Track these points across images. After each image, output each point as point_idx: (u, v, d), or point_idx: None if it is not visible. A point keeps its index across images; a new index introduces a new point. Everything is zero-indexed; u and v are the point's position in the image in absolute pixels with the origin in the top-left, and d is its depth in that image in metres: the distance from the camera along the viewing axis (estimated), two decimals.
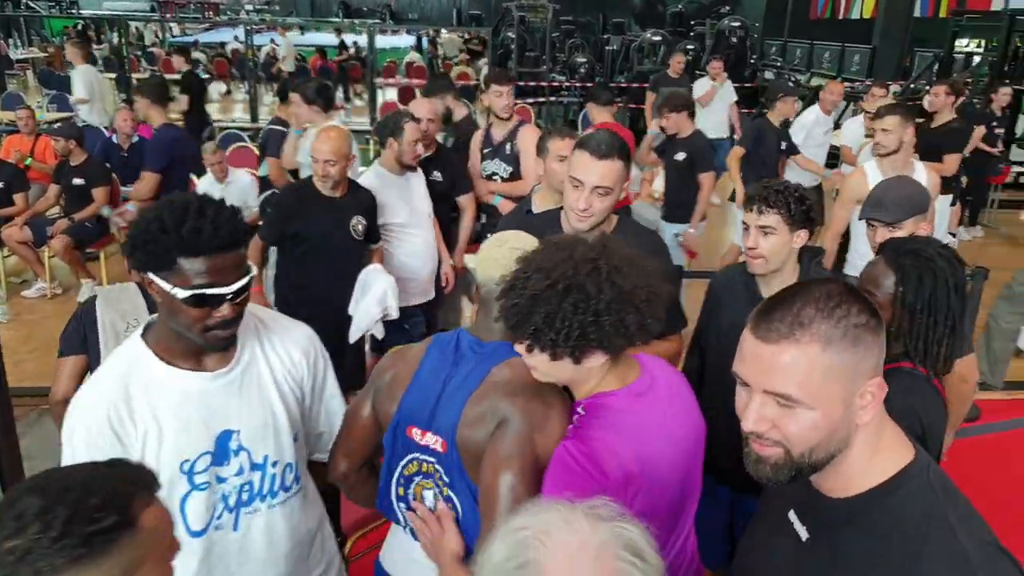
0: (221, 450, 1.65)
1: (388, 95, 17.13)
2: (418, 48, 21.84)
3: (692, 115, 5.36)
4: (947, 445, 2.54)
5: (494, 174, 4.44)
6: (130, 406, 1.58)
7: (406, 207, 3.87)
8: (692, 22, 16.68)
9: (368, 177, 3.87)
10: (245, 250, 1.59)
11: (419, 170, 3.96)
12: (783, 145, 6.01)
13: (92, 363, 2.50)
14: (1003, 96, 7.55)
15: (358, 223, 3.55)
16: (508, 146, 4.40)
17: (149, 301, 2.52)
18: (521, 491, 1.44)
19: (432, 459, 1.65)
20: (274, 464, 1.73)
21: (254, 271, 1.59)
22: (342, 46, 21.46)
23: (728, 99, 8.72)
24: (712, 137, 8.53)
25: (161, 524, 1.13)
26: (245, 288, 1.56)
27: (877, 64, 16.12)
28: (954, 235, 7.51)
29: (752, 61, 15.88)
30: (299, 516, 1.83)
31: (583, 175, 2.06)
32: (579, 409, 1.51)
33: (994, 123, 7.47)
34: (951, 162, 5.35)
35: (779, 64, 17.69)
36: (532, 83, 13.83)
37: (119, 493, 1.07)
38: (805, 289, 1.12)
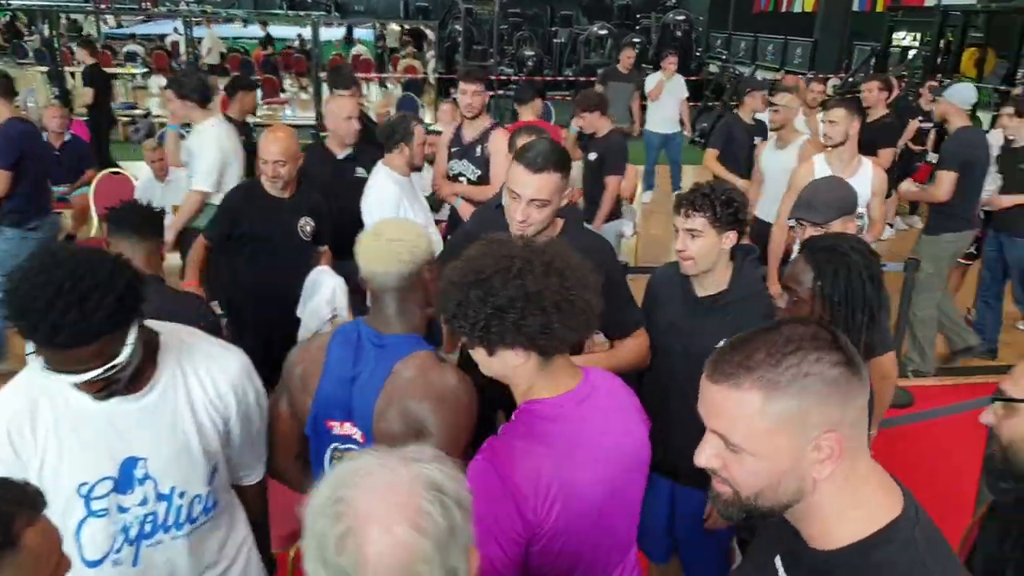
0: (125, 477, 1.57)
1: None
2: (348, 40, 21.64)
3: (604, 113, 5.29)
4: (871, 437, 2.64)
5: (461, 174, 4.35)
6: (34, 421, 1.52)
7: (422, 209, 3.86)
8: (639, 15, 16.77)
9: (385, 182, 3.75)
10: (116, 334, 1.41)
11: (421, 171, 3.98)
12: (755, 140, 5.90)
13: None
14: (929, 90, 7.75)
15: (306, 224, 3.51)
16: (479, 148, 4.29)
17: None
18: None
19: (354, 448, 1.70)
20: (181, 495, 1.65)
21: (123, 356, 1.42)
22: (268, 40, 21.06)
23: (679, 94, 8.75)
24: (662, 132, 8.69)
25: (45, 544, 1.10)
26: (109, 369, 1.42)
27: (818, 57, 16.47)
28: (891, 225, 7.73)
29: (698, 54, 16.09)
30: (207, 546, 1.75)
31: (519, 188, 2.07)
32: (514, 415, 1.52)
33: (921, 117, 7.68)
34: (885, 156, 5.49)
35: (724, 57, 17.95)
36: (475, 64, 13.80)
37: (0, 512, 1.06)
38: (769, 331, 1.07)
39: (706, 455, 1.09)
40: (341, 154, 4.15)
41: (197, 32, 18.57)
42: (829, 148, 4.04)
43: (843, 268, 1.88)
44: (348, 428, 1.72)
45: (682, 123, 8.82)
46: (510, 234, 1.90)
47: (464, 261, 1.47)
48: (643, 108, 8.89)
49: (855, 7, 17.14)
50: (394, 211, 3.60)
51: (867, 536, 1.05)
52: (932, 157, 8.04)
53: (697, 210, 2.21)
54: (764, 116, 5.76)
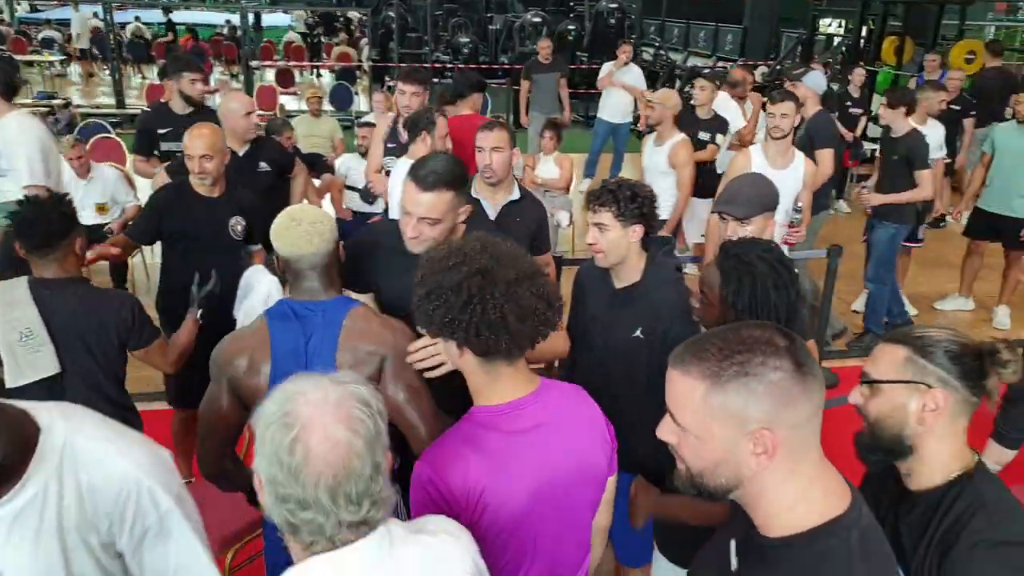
0: None
1: (267, 77, 16.57)
2: (256, 27, 21.01)
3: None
4: None
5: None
6: None
7: None
8: (571, 3, 16.81)
9: (405, 169, 3.73)
10: None
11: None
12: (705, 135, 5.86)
13: None
14: (858, 76, 8.03)
15: (237, 223, 3.44)
16: None
17: (40, 306, 2.40)
18: (421, 401, 1.87)
19: None
20: None
21: None
22: (170, 26, 20.41)
23: (635, 84, 8.71)
24: (612, 121, 8.71)
25: None
26: None
27: (748, 44, 16.78)
28: (835, 211, 7.96)
29: (632, 40, 16.22)
30: None
31: (410, 206, 2.07)
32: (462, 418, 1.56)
33: (848, 103, 7.92)
34: (825, 159, 5.39)
35: (657, 43, 18.15)
36: (415, 65, 13.66)
37: None
38: (731, 330, 1.16)
39: (663, 430, 1.19)
40: (241, 150, 4.09)
41: (119, 17, 17.98)
42: (768, 139, 4.13)
43: (748, 277, 1.92)
44: None
45: (637, 117, 8.81)
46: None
47: (429, 255, 1.57)
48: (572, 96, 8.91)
49: None
50: None
51: (809, 529, 1.12)
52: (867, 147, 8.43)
53: (602, 205, 2.28)
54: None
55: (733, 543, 1.26)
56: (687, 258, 4.75)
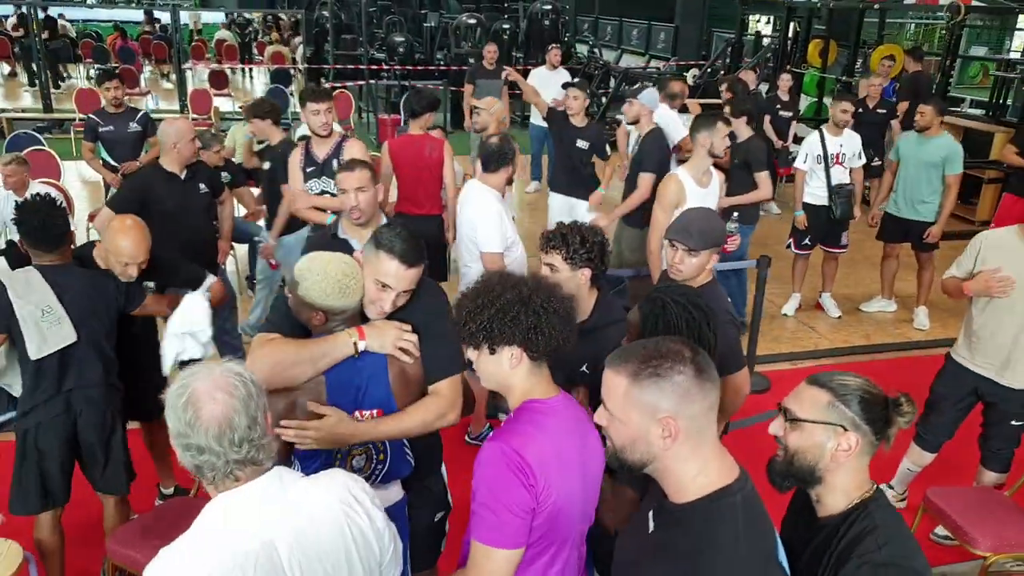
0: None
1: (200, 76, 16.23)
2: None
3: (276, 122, 5.09)
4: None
5: (324, 191, 4.33)
6: None
7: (512, 225, 3.89)
8: (504, 4, 16.88)
9: (490, 200, 3.77)
10: None
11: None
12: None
13: (15, 341, 2.83)
14: (784, 82, 8.33)
15: (147, 290, 3.28)
16: (335, 162, 4.27)
17: (54, 287, 2.85)
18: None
19: None
20: None
21: None
22: (47, 23, 18.97)
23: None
24: (544, 125, 8.79)
25: None
26: None
27: (680, 42, 17.15)
28: (765, 211, 8.23)
29: (566, 39, 16.36)
30: None
31: (393, 282, 2.12)
32: (512, 413, 1.76)
33: (779, 107, 8.22)
34: (764, 182, 5.45)
35: (590, 41, 18.36)
36: (351, 66, 13.58)
37: None
38: (655, 341, 1.51)
39: (598, 414, 1.52)
40: (183, 174, 4.13)
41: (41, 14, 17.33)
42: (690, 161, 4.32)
43: (661, 319, 2.13)
44: (363, 414, 2.12)
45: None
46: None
47: (469, 288, 1.81)
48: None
49: None
50: (499, 227, 3.72)
51: (707, 494, 1.44)
52: (794, 149, 8.72)
53: (553, 248, 2.45)
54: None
55: (651, 512, 1.57)
56: (627, 272, 4.89)
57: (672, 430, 1.41)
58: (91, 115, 6.24)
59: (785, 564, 1.51)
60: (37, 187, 5.31)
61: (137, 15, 21.11)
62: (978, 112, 9.59)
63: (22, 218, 2.91)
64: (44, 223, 2.89)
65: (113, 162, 6.12)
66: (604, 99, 11.87)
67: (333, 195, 4.23)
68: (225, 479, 1.45)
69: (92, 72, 17.27)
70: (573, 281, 2.43)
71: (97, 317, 2.93)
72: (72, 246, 3.11)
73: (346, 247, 2.84)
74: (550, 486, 1.64)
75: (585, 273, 2.44)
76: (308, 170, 4.38)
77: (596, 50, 16.26)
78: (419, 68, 13.96)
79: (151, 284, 3.25)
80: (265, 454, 1.48)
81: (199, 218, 4.24)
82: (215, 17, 21.89)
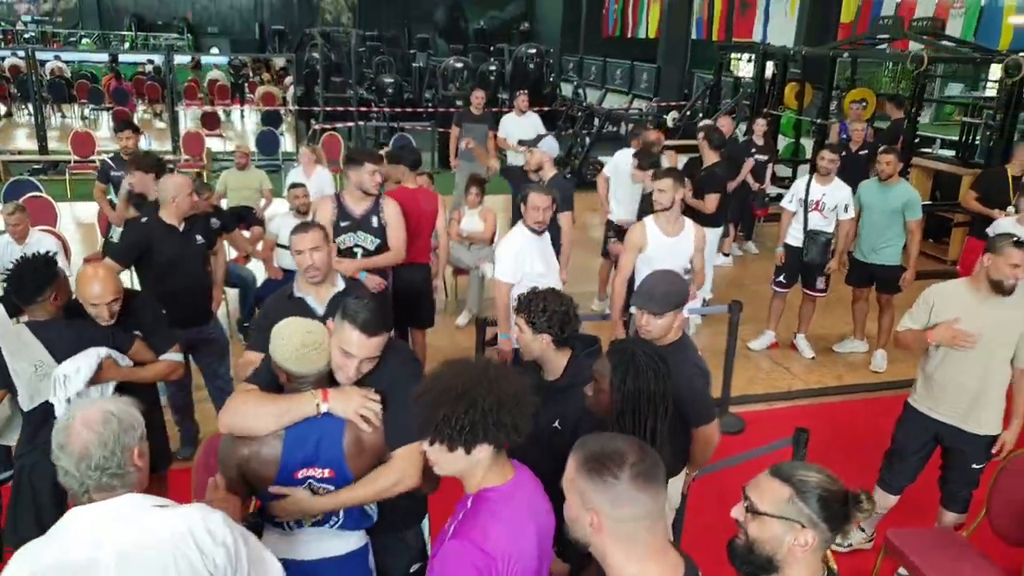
0: None
1: (193, 115, 16.47)
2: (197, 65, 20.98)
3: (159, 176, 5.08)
4: (688, 481, 3.11)
5: (357, 246, 4.48)
6: None
7: (543, 261, 4.22)
8: (491, 46, 17.27)
9: (516, 233, 4.36)
10: None
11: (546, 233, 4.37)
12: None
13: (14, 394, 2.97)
14: (759, 127, 8.61)
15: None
16: (374, 218, 4.49)
17: (45, 343, 2.97)
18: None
19: (322, 483, 2.22)
20: None
21: None
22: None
23: (538, 129, 9.10)
24: (518, 166, 9.09)
25: None
26: None
27: (662, 83, 17.54)
28: (728, 254, 8.47)
29: (551, 80, 16.73)
30: None
31: (355, 350, 2.23)
32: (468, 502, 1.85)
33: (754, 151, 8.48)
34: (710, 202, 6.11)
35: (575, 81, 18.77)
36: (340, 108, 13.84)
37: None
38: (610, 437, 1.65)
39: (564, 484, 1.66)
40: (181, 227, 4.30)
41: (42, 56, 17.60)
42: (657, 212, 4.53)
43: (632, 366, 2.30)
44: (316, 471, 2.21)
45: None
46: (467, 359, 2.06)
47: (432, 383, 1.83)
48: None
49: (694, 35, 18.44)
50: (513, 260, 4.18)
51: None
52: (772, 191, 9.02)
53: (517, 312, 2.66)
54: None
55: None
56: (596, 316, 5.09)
57: (595, 523, 1.55)
58: (105, 159, 6.55)
59: None
60: (37, 235, 5.48)
61: (134, 57, 21.45)
62: (949, 154, 9.90)
63: (9, 279, 3.07)
64: (25, 284, 3.02)
65: None
66: (588, 139, 12.18)
67: (367, 250, 4.47)
68: (81, 497, 1.74)
69: (87, 112, 17.55)
70: (535, 344, 2.62)
71: None
72: (59, 299, 3.11)
73: (302, 305, 3.05)
74: (515, 568, 1.75)
75: (545, 339, 2.61)
76: (342, 224, 4.47)
77: (580, 90, 16.63)
78: (407, 110, 14.24)
79: (138, 332, 3.32)
80: (120, 482, 1.76)
81: (196, 268, 4.41)
82: (213, 59, 22.22)
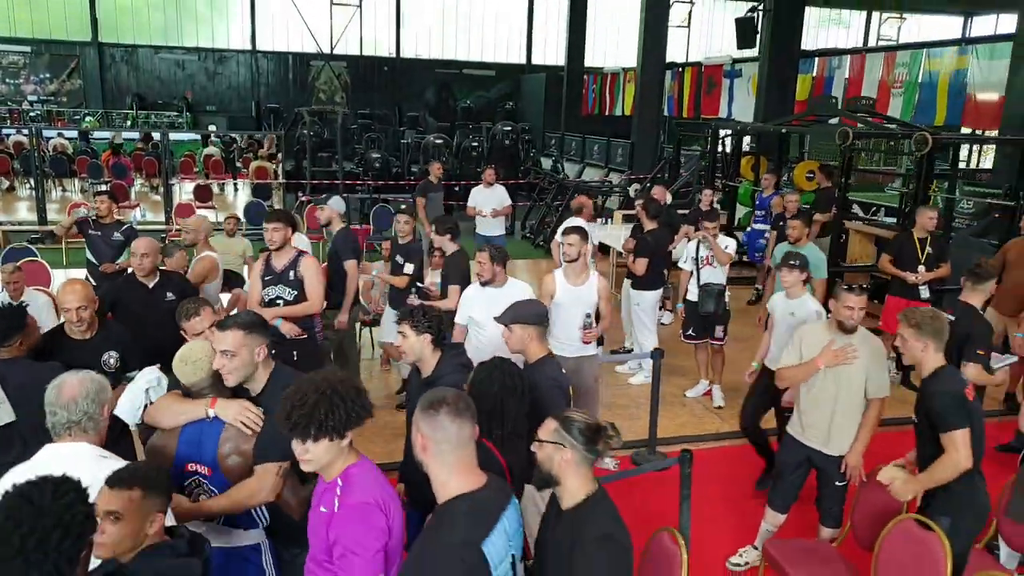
0: None
1: (186, 189, 17.28)
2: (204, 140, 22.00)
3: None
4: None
5: (278, 298, 5.03)
6: None
7: (482, 308, 4.59)
8: (477, 124, 18.22)
9: (469, 287, 5.02)
10: None
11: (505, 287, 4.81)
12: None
13: None
14: (706, 197, 9.30)
15: (110, 357, 3.99)
16: (291, 273, 5.02)
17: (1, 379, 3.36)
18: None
19: (204, 480, 2.71)
20: None
21: None
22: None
23: (501, 202, 9.84)
24: (486, 234, 9.76)
25: None
26: None
27: (636, 157, 18.39)
28: (672, 311, 9.04)
29: (532, 154, 17.63)
30: None
31: (215, 343, 2.84)
32: (338, 482, 2.27)
33: (701, 218, 9.14)
34: (639, 265, 6.77)
35: (554, 155, 19.70)
36: (326, 181, 14.63)
37: None
38: (441, 389, 2.27)
39: None
40: (151, 283, 4.84)
41: (45, 133, 18.55)
42: (566, 262, 5.13)
43: (487, 377, 2.96)
44: (202, 468, 2.72)
45: (508, 228, 9.91)
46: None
47: (298, 398, 2.22)
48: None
49: (666, 112, 19.42)
50: (465, 306, 4.82)
51: (450, 497, 2.14)
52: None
53: (399, 321, 3.34)
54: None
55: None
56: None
57: (423, 445, 2.15)
58: (90, 214, 7.02)
59: (506, 549, 2.16)
60: (31, 293, 6.04)
61: (132, 133, 22.46)
62: (891, 220, 10.59)
63: None
64: None
65: (95, 261, 6.88)
66: (559, 210, 12.91)
67: (287, 300, 5.01)
68: (62, 434, 2.42)
69: (86, 186, 18.36)
70: (419, 343, 3.26)
71: (34, 403, 3.10)
72: (23, 345, 3.58)
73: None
74: (392, 516, 2.27)
75: (426, 337, 3.26)
76: (266, 278, 5.06)
77: (559, 164, 17.51)
78: (390, 183, 15.03)
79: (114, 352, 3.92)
80: (92, 425, 2.47)
81: (164, 322, 4.52)
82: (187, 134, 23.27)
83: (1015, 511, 3.79)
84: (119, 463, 2.34)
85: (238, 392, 2.84)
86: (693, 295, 6.67)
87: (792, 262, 4.99)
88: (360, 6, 27.98)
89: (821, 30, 33.80)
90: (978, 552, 3.91)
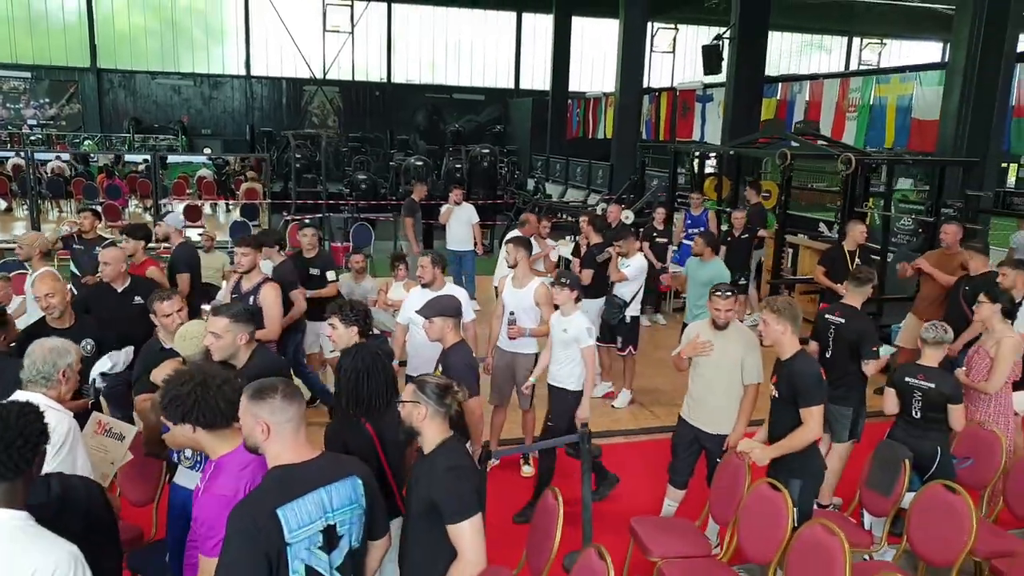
0: None
1: (178, 210, 17.85)
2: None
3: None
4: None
5: None
6: None
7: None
8: (459, 147, 18.85)
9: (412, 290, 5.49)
10: None
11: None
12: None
13: None
14: (659, 214, 9.87)
15: (87, 343, 4.45)
16: (251, 298, 5.35)
17: None
18: None
19: None
20: None
21: None
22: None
23: (470, 219, 10.44)
24: (455, 249, 10.34)
25: None
26: None
27: (615, 178, 19.03)
28: (652, 322, 9.59)
29: (515, 176, 18.22)
30: None
31: (208, 326, 3.50)
32: (211, 466, 2.66)
33: (655, 235, 9.72)
34: (585, 275, 7.15)
35: (536, 177, 20.35)
36: (310, 201, 15.23)
37: None
38: (267, 380, 2.47)
39: None
40: (120, 287, 5.38)
41: (40, 156, 19.19)
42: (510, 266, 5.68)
43: (352, 363, 3.26)
44: None
45: (475, 242, 10.48)
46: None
47: (180, 386, 2.55)
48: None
49: (643, 136, 20.09)
50: (403, 310, 5.37)
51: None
52: (674, 269, 10.25)
53: (331, 314, 3.85)
54: None
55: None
56: None
57: (265, 430, 2.34)
58: (74, 231, 7.63)
59: (316, 517, 2.36)
60: (18, 299, 6.62)
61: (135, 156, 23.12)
62: (834, 235, 11.17)
63: None
64: None
65: (78, 273, 7.44)
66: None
67: None
68: (25, 386, 2.97)
69: (81, 207, 18.95)
70: (348, 334, 3.74)
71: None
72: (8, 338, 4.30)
73: (173, 353, 3.93)
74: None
75: (354, 329, 3.75)
76: (233, 296, 5.53)
77: (540, 185, 18.12)
78: (372, 203, 15.62)
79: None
80: (47, 384, 3.02)
81: (134, 321, 5.11)
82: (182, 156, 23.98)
83: (873, 482, 4.31)
84: (65, 415, 2.90)
85: (225, 366, 3.37)
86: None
87: (563, 280, 5.10)
88: (352, 32, 28.85)
89: (804, 56, 34.69)
90: (840, 516, 4.44)
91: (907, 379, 4.46)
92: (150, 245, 6.90)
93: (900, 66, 13.33)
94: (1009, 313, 4.90)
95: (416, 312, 4.25)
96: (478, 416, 4.00)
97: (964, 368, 4.93)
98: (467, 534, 2.60)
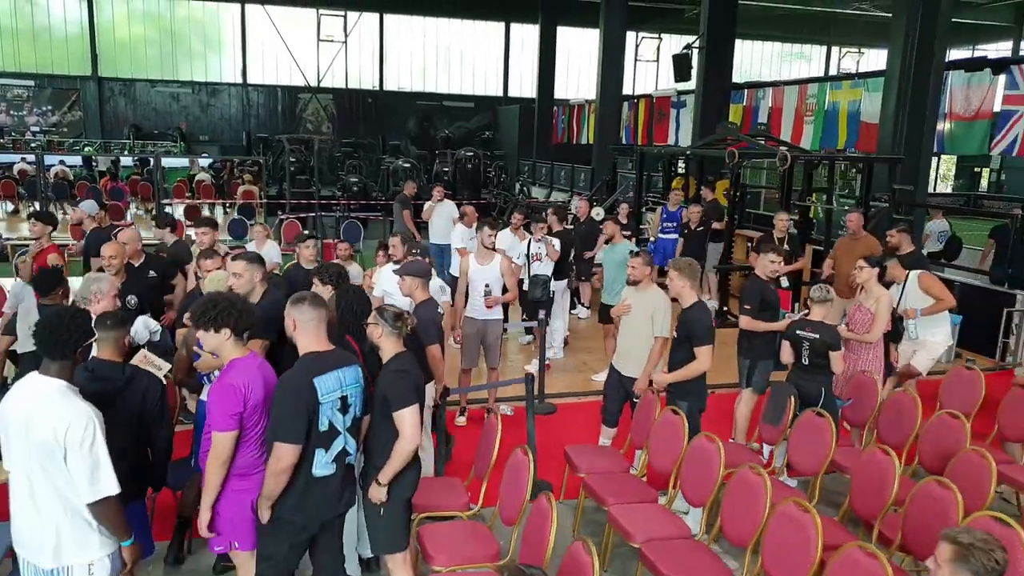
0: None
1: (177, 212, 18.71)
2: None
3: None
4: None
5: None
6: None
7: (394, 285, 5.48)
8: (447, 152, 19.73)
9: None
10: None
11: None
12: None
13: None
14: (623, 210, 10.72)
15: (131, 298, 5.56)
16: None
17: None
18: None
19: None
20: None
21: None
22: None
23: (450, 215, 11.32)
24: (436, 243, 11.22)
25: None
26: None
27: (595, 180, 19.95)
28: (588, 307, 10.45)
29: (503, 179, 19.15)
30: None
31: (229, 267, 4.42)
32: (224, 366, 3.52)
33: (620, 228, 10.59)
34: (551, 253, 8.13)
35: (521, 180, 21.29)
36: (304, 201, 16.12)
37: None
38: (307, 293, 3.42)
39: None
40: (137, 263, 6.27)
41: (48, 160, 20.05)
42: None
43: (342, 298, 4.18)
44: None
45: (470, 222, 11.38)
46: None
47: (215, 302, 3.31)
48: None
49: (623, 140, 21.02)
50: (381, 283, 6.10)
51: (304, 353, 3.33)
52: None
53: (313, 275, 4.72)
54: None
55: None
56: None
57: (293, 325, 3.26)
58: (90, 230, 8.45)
59: (336, 388, 3.28)
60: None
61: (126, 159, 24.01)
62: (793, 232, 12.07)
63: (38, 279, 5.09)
64: (46, 279, 4.99)
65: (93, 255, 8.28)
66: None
67: None
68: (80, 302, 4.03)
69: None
70: (324, 292, 4.57)
71: None
72: (64, 296, 5.02)
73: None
74: (255, 405, 3.32)
75: (328, 287, 4.56)
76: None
77: (524, 187, 19.03)
78: (362, 203, 16.54)
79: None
80: (86, 304, 4.15)
81: (149, 291, 6.13)
82: (180, 161, 24.82)
83: (767, 416, 5.20)
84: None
85: None
86: (525, 285, 7.93)
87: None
88: (346, 42, 29.80)
89: (784, 63, 35.74)
90: (742, 448, 5.32)
91: (798, 332, 5.34)
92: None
93: (849, 73, 14.27)
94: (881, 274, 5.94)
95: (393, 271, 5.09)
96: (438, 359, 4.87)
97: (846, 324, 5.83)
98: (406, 419, 3.44)
